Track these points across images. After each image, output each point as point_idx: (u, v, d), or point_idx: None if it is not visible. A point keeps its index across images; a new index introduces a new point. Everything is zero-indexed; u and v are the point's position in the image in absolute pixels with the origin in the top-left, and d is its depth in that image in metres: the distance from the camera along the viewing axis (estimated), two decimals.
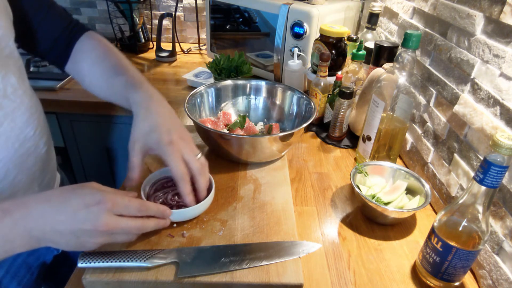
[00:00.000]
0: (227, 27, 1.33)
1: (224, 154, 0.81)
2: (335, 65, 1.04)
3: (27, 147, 0.59)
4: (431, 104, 0.79)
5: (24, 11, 0.62)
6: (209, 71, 1.25)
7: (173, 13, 1.55)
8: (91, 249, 0.50)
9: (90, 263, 0.52)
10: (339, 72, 1.00)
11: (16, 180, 0.58)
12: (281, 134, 0.76)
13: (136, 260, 0.53)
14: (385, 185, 0.75)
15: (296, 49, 1.10)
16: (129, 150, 0.57)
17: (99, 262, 0.52)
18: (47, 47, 0.68)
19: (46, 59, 0.71)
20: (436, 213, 0.76)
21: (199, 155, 0.61)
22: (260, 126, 0.94)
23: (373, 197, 0.71)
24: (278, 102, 0.96)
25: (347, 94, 0.88)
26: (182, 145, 0.58)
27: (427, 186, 0.69)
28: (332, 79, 0.99)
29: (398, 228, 0.70)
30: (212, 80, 1.20)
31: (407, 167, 0.83)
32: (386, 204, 0.69)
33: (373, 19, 1.09)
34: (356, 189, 0.69)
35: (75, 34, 0.70)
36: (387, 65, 0.87)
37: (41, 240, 0.46)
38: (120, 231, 0.49)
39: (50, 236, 0.45)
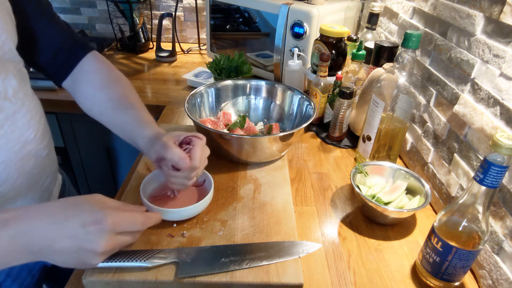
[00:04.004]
0: (227, 27, 1.33)
1: (224, 154, 0.81)
2: (335, 65, 1.04)
3: (27, 150, 0.59)
4: (431, 104, 0.79)
5: (27, 18, 0.62)
6: (209, 71, 1.25)
7: (173, 13, 1.55)
8: (91, 267, 0.47)
9: None
10: (339, 72, 1.00)
11: (17, 183, 0.58)
12: (281, 134, 0.76)
13: (136, 260, 0.53)
14: (385, 185, 0.75)
15: (296, 49, 1.09)
16: (166, 146, 0.56)
17: None
18: (48, 58, 0.66)
19: (44, 72, 0.68)
20: (436, 213, 0.76)
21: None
22: (260, 126, 0.94)
23: (373, 197, 0.71)
24: (278, 102, 0.96)
25: (347, 94, 0.88)
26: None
27: (427, 186, 0.69)
28: (332, 79, 0.99)
29: (398, 228, 0.70)
30: (212, 80, 1.20)
31: (407, 167, 0.83)
32: (386, 204, 0.69)
33: (373, 19, 1.09)
34: (356, 189, 0.69)
35: (78, 51, 0.69)
36: (387, 65, 0.87)
37: (37, 256, 0.43)
38: (119, 247, 0.48)
39: (47, 253, 0.43)
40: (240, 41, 1.32)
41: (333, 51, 1.01)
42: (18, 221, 0.42)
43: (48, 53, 0.66)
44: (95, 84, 0.68)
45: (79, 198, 0.46)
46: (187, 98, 0.84)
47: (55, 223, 0.43)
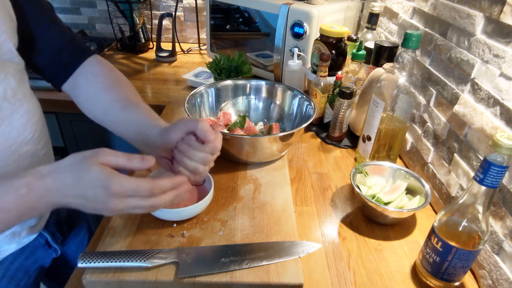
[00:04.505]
0: (227, 27, 1.33)
1: (224, 154, 0.80)
2: (335, 65, 1.04)
3: (24, 151, 0.59)
4: (431, 104, 0.79)
5: (26, 19, 0.61)
6: (209, 71, 1.25)
7: (173, 13, 1.55)
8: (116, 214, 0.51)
9: (90, 263, 0.52)
10: (339, 72, 1.00)
11: None
12: (281, 134, 0.76)
13: (136, 260, 0.53)
14: (385, 185, 0.75)
15: (296, 49, 1.09)
16: (196, 120, 0.56)
17: (99, 262, 0.52)
18: (47, 61, 0.66)
19: (43, 74, 0.68)
20: (436, 213, 0.76)
21: None
22: (260, 126, 0.94)
23: (373, 197, 0.71)
24: (278, 102, 0.96)
25: (347, 94, 0.88)
26: None
27: (427, 186, 0.69)
28: (332, 79, 0.99)
29: (398, 228, 0.70)
30: (212, 80, 1.20)
31: (407, 167, 0.83)
32: (386, 204, 0.69)
33: (373, 19, 1.09)
34: (356, 189, 0.69)
35: (79, 54, 0.68)
36: (387, 65, 0.87)
37: (67, 205, 0.47)
38: (132, 210, 0.48)
39: (74, 205, 0.47)
40: (240, 41, 1.32)
41: (333, 51, 1.01)
42: (40, 184, 0.45)
43: (47, 55, 0.65)
44: (98, 86, 0.67)
45: (87, 159, 0.46)
46: (187, 98, 0.84)
47: (70, 183, 0.46)
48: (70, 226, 0.81)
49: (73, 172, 0.46)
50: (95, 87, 0.68)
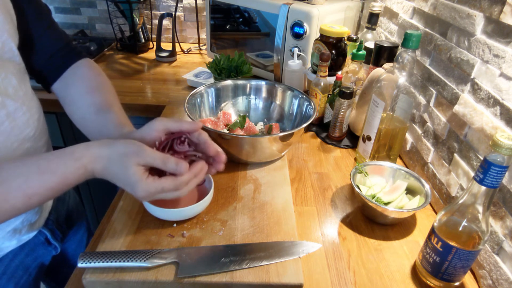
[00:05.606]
0: (227, 27, 1.33)
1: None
2: (335, 65, 1.04)
3: (26, 148, 0.59)
4: (431, 104, 0.79)
5: (26, 20, 0.62)
6: (209, 71, 1.25)
7: (173, 13, 1.55)
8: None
9: (90, 263, 0.52)
10: (339, 72, 1.00)
11: None
12: (281, 134, 0.76)
13: (136, 260, 0.53)
14: (385, 185, 0.75)
15: (296, 49, 1.09)
16: (174, 119, 0.57)
17: (99, 262, 0.52)
18: (42, 62, 0.66)
19: (36, 75, 0.68)
20: (436, 213, 0.76)
21: None
22: (260, 126, 0.94)
23: (373, 197, 0.71)
24: (278, 102, 0.96)
25: (347, 94, 0.88)
26: None
27: (427, 186, 0.69)
28: (332, 79, 0.99)
29: (398, 228, 0.70)
30: (212, 80, 1.20)
31: (407, 167, 0.83)
32: (386, 204, 0.69)
33: (373, 19, 1.09)
34: (356, 189, 0.69)
35: (72, 56, 0.69)
36: (387, 65, 0.87)
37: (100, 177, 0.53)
38: (161, 198, 0.54)
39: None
40: (240, 41, 1.32)
41: (333, 51, 1.01)
42: (91, 164, 0.51)
43: (43, 56, 0.66)
44: (82, 89, 0.67)
45: (129, 160, 0.51)
46: (187, 98, 0.84)
47: (116, 170, 0.51)
48: (69, 224, 0.81)
49: (119, 164, 0.51)
50: (79, 90, 0.67)
